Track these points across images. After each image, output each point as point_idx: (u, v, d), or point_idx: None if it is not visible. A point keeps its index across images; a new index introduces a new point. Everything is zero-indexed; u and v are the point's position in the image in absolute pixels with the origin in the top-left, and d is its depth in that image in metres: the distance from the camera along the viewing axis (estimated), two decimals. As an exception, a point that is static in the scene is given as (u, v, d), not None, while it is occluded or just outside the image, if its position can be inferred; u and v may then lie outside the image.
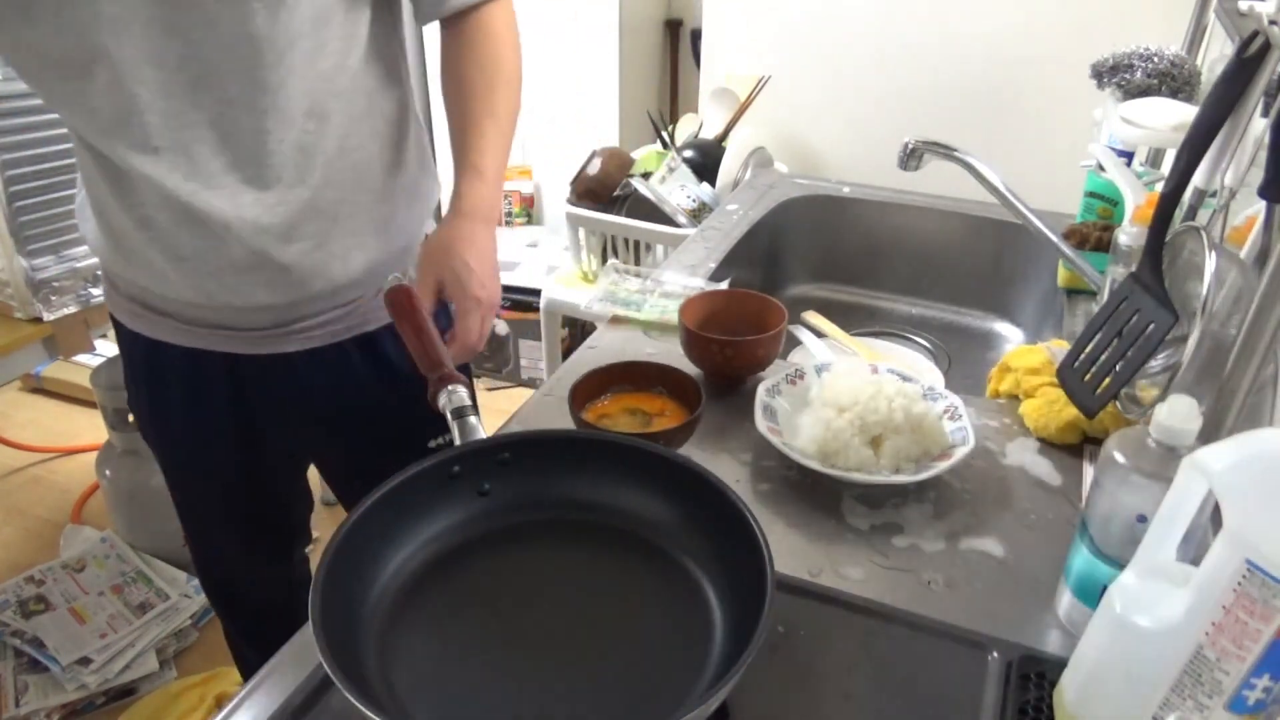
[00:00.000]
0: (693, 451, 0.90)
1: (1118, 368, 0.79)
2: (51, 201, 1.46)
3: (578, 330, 2.67)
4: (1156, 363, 0.79)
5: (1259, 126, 0.77)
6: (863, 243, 1.57)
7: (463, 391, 0.77)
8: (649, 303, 1.17)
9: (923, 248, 1.54)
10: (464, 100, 0.91)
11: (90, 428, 2.44)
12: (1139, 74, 1.36)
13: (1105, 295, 1.07)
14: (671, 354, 1.04)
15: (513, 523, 0.73)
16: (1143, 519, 0.62)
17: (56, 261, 1.50)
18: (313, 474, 1.23)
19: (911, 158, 1.23)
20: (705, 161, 2.19)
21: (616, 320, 1.15)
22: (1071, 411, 0.89)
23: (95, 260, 1.55)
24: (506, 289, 2.64)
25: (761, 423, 0.88)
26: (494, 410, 1.83)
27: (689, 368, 1.00)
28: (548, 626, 0.66)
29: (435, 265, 0.86)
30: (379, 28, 0.90)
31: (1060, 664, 0.62)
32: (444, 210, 0.92)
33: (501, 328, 2.66)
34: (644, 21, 2.76)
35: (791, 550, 0.78)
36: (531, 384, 2.70)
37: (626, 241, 2.11)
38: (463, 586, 0.69)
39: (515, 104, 0.94)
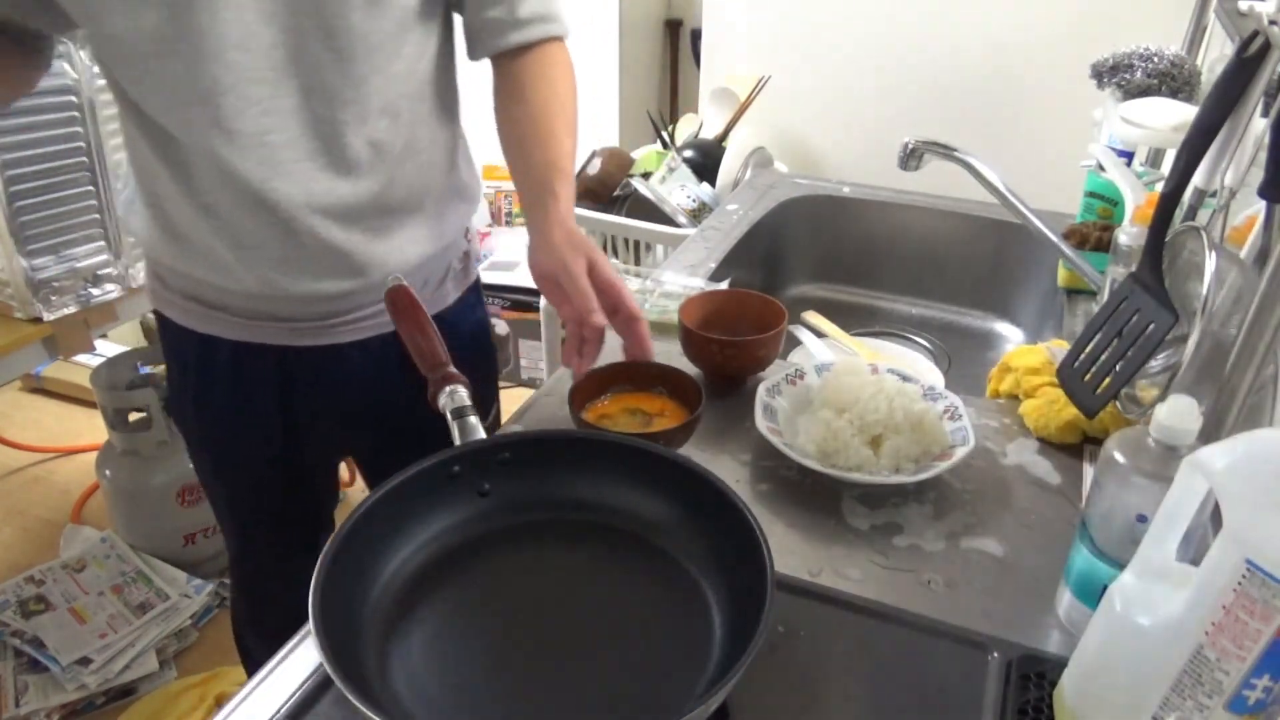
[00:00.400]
0: (693, 451, 0.90)
1: (1118, 368, 0.79)
2: (51, 201, 1.46)
3: (577, 330, 2.66)
4: (1156, 363, 0.79)
5: (1259, 126, 0.77)
6: (863, 243, 1.57)
7: (463, 391, 0.77)
8: (649, 303, 1.17)
9: (923, 248, 1.54)
10: (541, 128, 0.93)
11: (90, 428, 2.44)
12: (1139, 74, 1.36)
13: (1105, 295, 1.07)
14: (671, 354, 1.04)
15: (513, 523, 0.73)
16: (1143, 519, 0.62)
17: (56, 261, 1.49)
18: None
19: (911, 158, 1.23)
20: (705, 161, 2.19)
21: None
22: (1071, 411, 0.89)
23: (95, 260, 1.55)
24: (507, 289, 2.64)
25: (761, 423, 0.88)
26: (494, 410, 1.83)
27: (689, 368, 1.00)
28: (547, 626, 0.66)
29: (582, 249, 0.87)
30: (444, 46, 0.95)
31: (1060, 664, 0.62)
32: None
33: (501, 328, 2.67)
34: (644, 21, 2.76)
35: (791, 550, 0.78)
36: (531, 384, 2.70)
37: (626, 241, 2.11)
38: (462, 586, 0.69)
39: (576, 142, 0.97)
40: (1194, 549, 0.55)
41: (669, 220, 2.08)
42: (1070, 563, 0.70)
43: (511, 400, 1.14)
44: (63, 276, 1.51)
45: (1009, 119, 2.07)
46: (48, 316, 1.50)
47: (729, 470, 0.88)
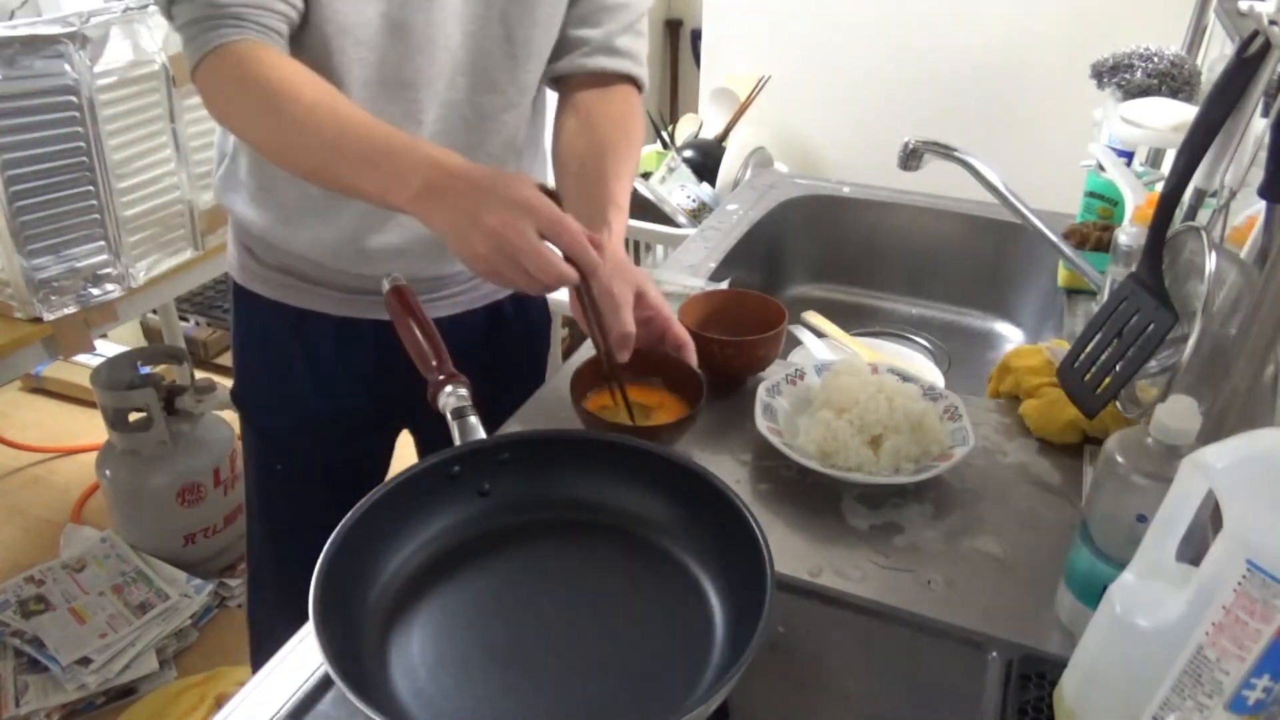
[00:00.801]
0: (693, 451, 0.90)
1: (1118, 368, 0.79)
2: (51, 201, 1.46)
3: (578, 330, 2.67)
4: (1156, 363, 0.79)
5: (1259, 126, 0.77)
6: (863, 243, 1.57)
7: (463, 391, 0.77)
8: (649, 303, 1.17)
9: (923, 248, 1.54)
10: (608, 165, 0.96)
11: (90, 428, 2.44)
12: (1139, 74, 1.36)
13: (1105, 295, 1.07)
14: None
15: (513, 523, 0.73)
16: (1143, 519, 0.62)
17: (56, 261, 1.49)
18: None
19: (911, 158, 1.23)
20: (705, 161, 2.19)
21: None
22: (1071, 411, 0.89)
23: (95, 260, 1.55)
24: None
25: (761, 423, 0.88)
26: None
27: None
28: (547, 626, 0.66)
29: (631, 280, 0.90)
30: None
31: (1060, 664, 0.62)
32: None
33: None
34: (644, 21, 2.76)
35: (791, 550, 0.78)
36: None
37: (626, 241, 2.10)
38: (462, 586, 0.69)
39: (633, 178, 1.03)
40: (1194, 549, 0.55)
41: (669, 220, 2.07)
42: (1070, 563, 0.70)
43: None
44: (63, 276, 1.51)
45: (1009, 119, 2.07)
46: (48, 316, 1.50)
47: (729, 470, 0.88)
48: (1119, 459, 0.63)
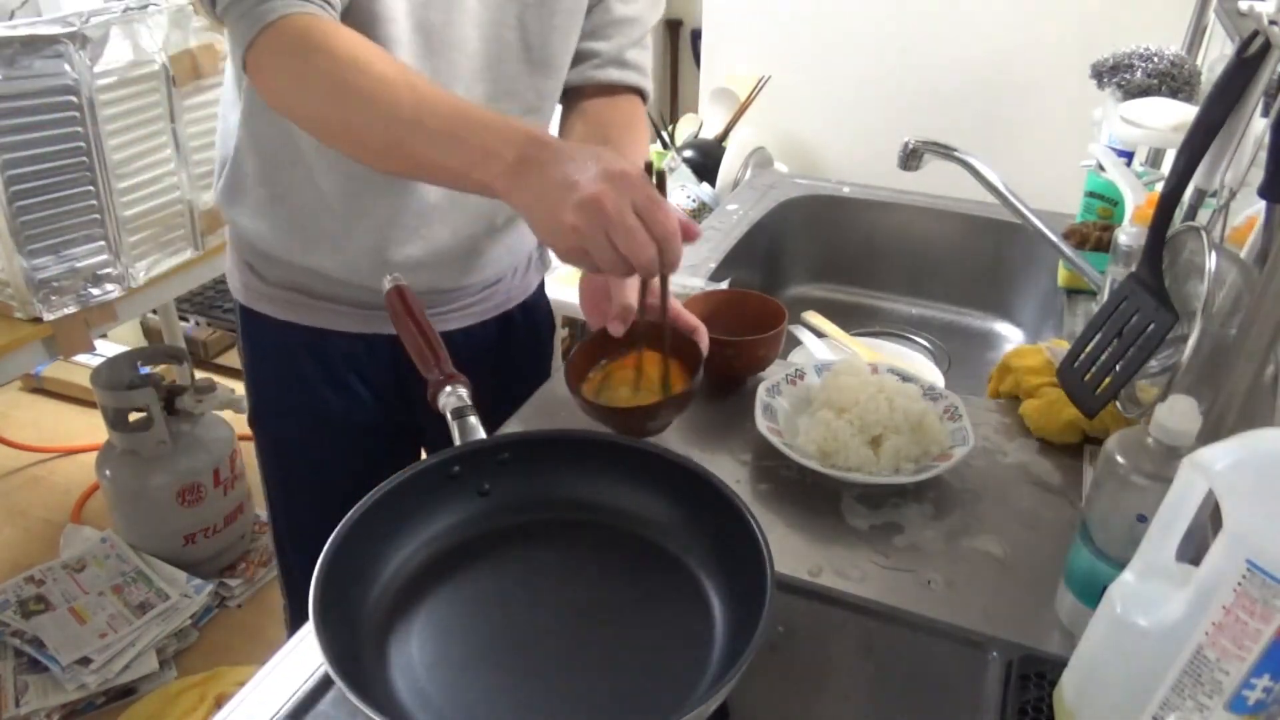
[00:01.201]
0: (693, 451, 0.90)
1: (1118, 368, 0.79)
2: (51, 201, 1.46)
3: (578, 330, 2.67)
4: (1156, 363, 0.79)
5: (1259, 126, 0.77)
6: (863, 243, 1.57)
7: (463, 391, 0.77)
8: (649, 303, 1.17)
9: (923, 248, 1.54)
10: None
11: (90, 428, 2.44)
12: (1139, 74, 1.36)
13: (1105, 295, 1.07)
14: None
15: (513, 523, 0.73)
16: (1143, 519, 0.62)
17: (56, 261, 1.49)
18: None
19: (911, 158, 1.23)
20: (705, 161, 2.19)
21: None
22: (1071, 411, 0.89)
23: (95, 260, 1.55)
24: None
25: (761, 423, 0.88)
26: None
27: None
28: (547, 626, 0.66)
29: None
30: None
31: (1060, 664, 0.62)
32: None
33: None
34: (644, 21, 2.75)
35: (791, 550, 0.78)
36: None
37: (626, 241, 2.10)
38: (463, 586, 0.69)
39: None
40: (1194, 549, 0.55)
41: (669, 220, 2.07)
42: (1070, 563, 0.70)
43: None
44: (63, 276, 1.51)
45: (1009, 119, 2.07)
46: (48, 316, 1.50)
47: (729, 470, 0.88)
48: (1119, 459, 0.63)
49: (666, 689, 0.61)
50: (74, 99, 1.45)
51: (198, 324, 2.84)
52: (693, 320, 0.88)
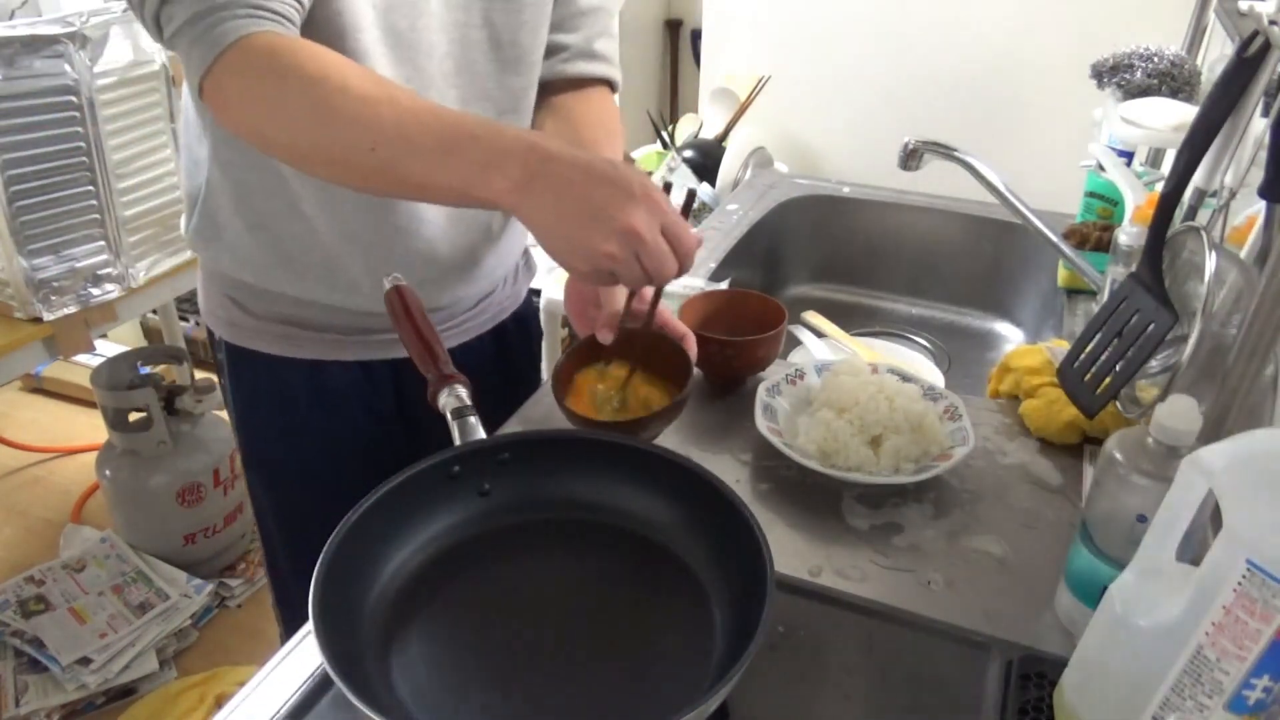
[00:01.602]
0: (693, 451, 0.90)
1: (1118, 368, 0.79)
2: (51, 201, 1.46)
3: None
4: (1156, 363, 0.79)
5: (1259, 126, 0.77)
6: (863, 243, 1.57)
7: (463, 391, 0.77)
8: (649, 303, 1.17)
9: (923, 248, 1.54)
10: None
11: (90, 428, 2.44)
12: (1139, 74, 1.36)
13: (1105, 295, 1.07)
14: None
15: (513, 523, 0.73)
16: (1143, 519, 0.62)
17: (56, 261, 1.49)
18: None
19: (911, 158, 1.23)
20: (705, 161, 2.19)
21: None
22: (1071, 411, 0.89)
23: (95, 260, 1.55)
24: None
25: (761, 423, 0.88)
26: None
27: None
28: (548, 626, 0.66)
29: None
30: None
31: (1060, 664, 0.62)
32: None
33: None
34: (644, 21, 2.76)
35: (791, 550, 0.78)
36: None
37: (626, 241, 2.10)
38: (463, 586, 0.69)
39: None
40: (1194, 549, 0.55)
41: (669, 220, 2.07)
42: (1070, 563, 0.70)
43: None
44: (63, 276, 1.51)
45: (1009, 119, 2.07)
46: (48, 316, 1.51)
47: (729, 470, 0.88)
48: (1119, 459, 0.63)
49: (666, 688, 0.61)
50: (74, 99, 1.45)
51: (198, 324, 2.84)
52: (681, 327, 0.86)
